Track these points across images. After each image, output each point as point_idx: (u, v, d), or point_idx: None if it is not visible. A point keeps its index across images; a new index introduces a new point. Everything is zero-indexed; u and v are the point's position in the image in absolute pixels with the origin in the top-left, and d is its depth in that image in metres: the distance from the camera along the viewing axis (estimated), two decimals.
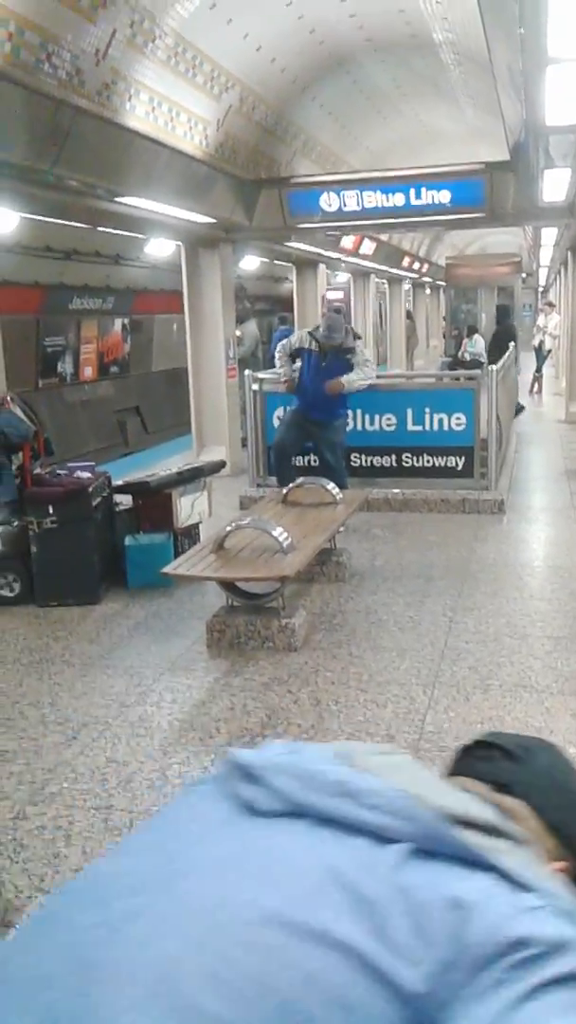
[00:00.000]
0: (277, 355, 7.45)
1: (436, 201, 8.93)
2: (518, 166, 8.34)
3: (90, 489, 5.87)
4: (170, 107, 7.71)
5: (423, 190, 8.91)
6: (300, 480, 6.43)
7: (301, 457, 7.83)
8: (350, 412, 8.18)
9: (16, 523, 5.80)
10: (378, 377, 7.88)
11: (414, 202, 8.99)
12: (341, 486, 6.98)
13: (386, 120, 12.50)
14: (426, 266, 25.67)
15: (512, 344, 13.07)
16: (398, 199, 9.05)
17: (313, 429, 7.34)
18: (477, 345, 19.16)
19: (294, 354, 7.29)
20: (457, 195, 8.88)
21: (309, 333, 7.26)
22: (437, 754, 3.66)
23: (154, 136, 7.36)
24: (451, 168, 9.21)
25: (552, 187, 7.01)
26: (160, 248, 11.99)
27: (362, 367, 7.10)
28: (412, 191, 8.95)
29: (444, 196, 8.88)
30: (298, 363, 7.28)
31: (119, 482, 6.52)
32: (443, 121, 12.99)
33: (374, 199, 9.11)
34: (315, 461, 7.67)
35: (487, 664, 4.58)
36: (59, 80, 6.06)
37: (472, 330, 19.79)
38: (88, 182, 6.56)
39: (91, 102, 6.44)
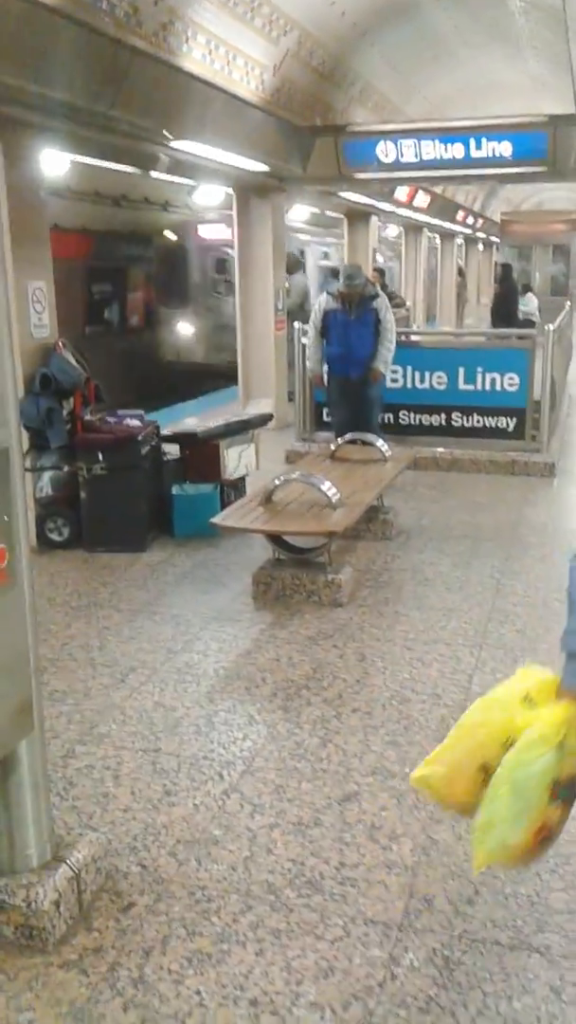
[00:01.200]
0: (309, 336, 7.25)
1: (496, 153, 8.68)
2: None
3: (140, 437, 5.88)
4: (227, 50, 7.55)
5: (483, 141, 8.66)
6: (349, 436, 6.37)
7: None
8: (399, 368, 8.10)
9: (66, 468, 5.84)
10: (429, 334, 7.73)
11: (474, 154, 8.74)
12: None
13: (446, 69, 12.15)
14: (480, 221, 25.11)
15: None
16: (457, 150, 8.81)
17: (356, 388, 7.20)
18: (530, 304, 18.81)
19: (325, 321, 7.08)
20: (519, 147, 8.62)
21: (328, 293, 7.14)
22: None
23: (210, 80, 7.22)
24: (513, 120, 8.93)
25: None
26: (208, 196, 11.86)
27: (385, 336, 6.96)
28: (472, 142, 8.70)
29: (505, 148, 8.63)
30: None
31: (167, 431, 6.52)
32: (505, 72, 12.60)
33: (432, 150, 8.87)
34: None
35: (535, 628, 4.55)
36: (116, 19, 5.95)
37: (526, 288, 19.40)
38: (143, 125, 6.46)
39: (148, 43, 6.33)
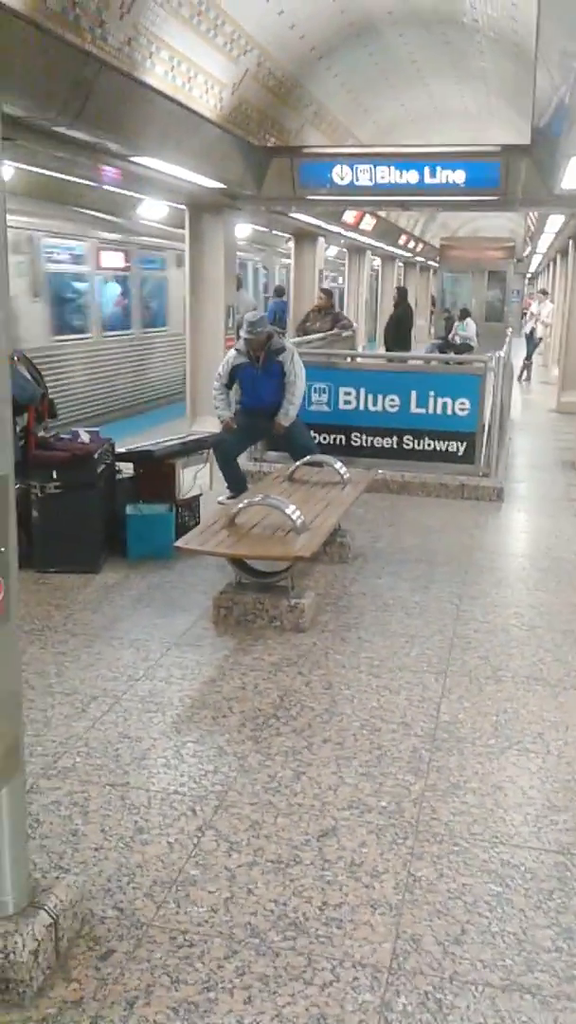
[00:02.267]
0: (215, 389, 7.03)
1: (450, 181, 8.80)
2: (538, 151, 8.23)
3: (95, 455, 5.76)
4: (189, 67, 7.52)
5: (438, 169, 8.78)
6: (308, 458, 6.35)
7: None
8: (353, 390, 8.13)
9: (18, 486, 5.66)
10: (381, 357, 7.71)
11: (428, 180, 8.85)
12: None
13: (397, 95, 12.30)
14: (420, 245, 25.50)
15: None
16: (412, 176, 8.91)
17: (267, 424, 7.01)
18: (468, 329, 19.20)
19: (230, 379, 6.94)
20: (472, 176, 8.76)
21: (235, 349, 6.93)
22: (455, 744, 3.64)
23: (172, 95, 7.17)
24: (467, 148, 9.08)
25: (572, 175, 6.91)
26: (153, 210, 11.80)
27: (290, 390, 6.82)
28: (427, 169, 8.81)
29: (459, 176, 8.76)
30: (234, 401, 7.05)
31: (122, 449, 6.40)
32: (454, 99, 12.81)
33: (387, 175, 8.96)
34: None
35: (498, 654, 4.56)
36: (81, 31, 5.87)
37: (464, 313, 19.78)
38: (106, 139, 6.37)
39: (113, 56, 6.25)
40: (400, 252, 23.27)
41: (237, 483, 7.13)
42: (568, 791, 3.33)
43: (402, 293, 17.44)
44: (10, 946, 2.24)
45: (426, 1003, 2.32)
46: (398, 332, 15.94)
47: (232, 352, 7.03)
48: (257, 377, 6.85)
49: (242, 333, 6.81)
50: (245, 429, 7.12)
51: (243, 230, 13.98)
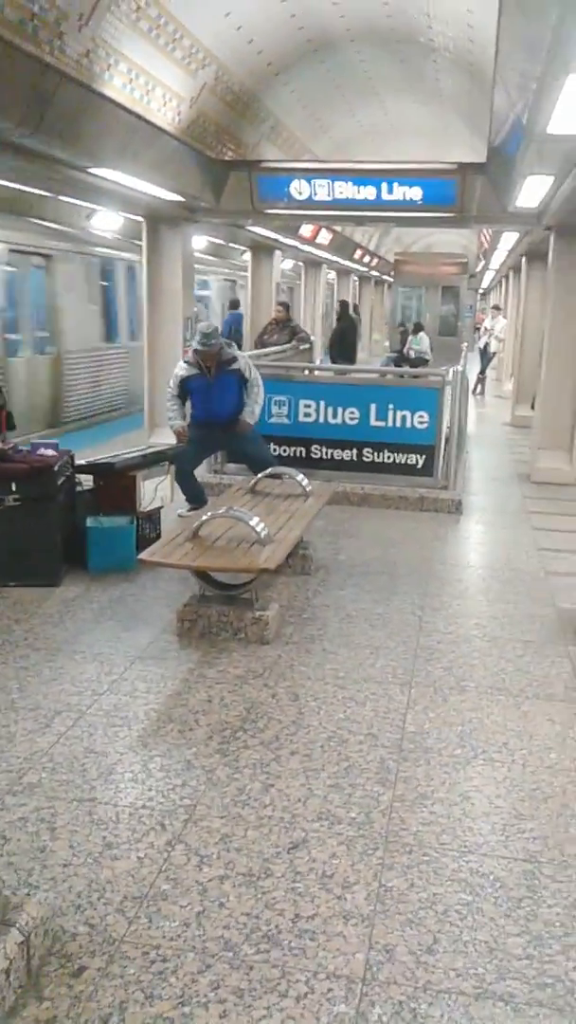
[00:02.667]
0: (168, 399, 6.92)
1: (407, 197, 8.92)
2: (493, 169, 8.38)
3: (55, 467, 5.71)
4: (147, 80, 7.52)
5: (395, 185, 8.90)
6: (270, 470, 6.36)
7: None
8: (312, 403, 8.18)
9: None
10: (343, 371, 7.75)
11: (385, 196, 8.97)
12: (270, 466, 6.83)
13: (353, 111, 12.44)
14: (375, 260, 25.76)
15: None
16: (369, 192, 9.01)
17: (223, 435, 7.01)
18: (422, 343, 19.40)
19: (183, 387, 6.82)
20: (428, 193, 8.89)
21: (184, 361, 6.86)
22: (421, 755, 3.66)
23: (130, 108, 7.17)
24: (424, 165, 9.21)
25: (528, 193, 7.05)
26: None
27: (252, 389, 6.80)
28: (384, 185, 8.92)
29: (416, 193, 8.88)
30: (188, 407, 6.95)
31: (82, 461, 6.36)
32: (409, 116, 12.98)
33: (345, 190, 9.06)
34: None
35: (461, 665, 4.61)
36: (39, 42, 5.84)
37: (418, 327, 20.00)
38: (65, 151, 6.34)
39: (72, 68, 6.23)
40: (355, 266, 23.48)
41: (195, 496, 7.10)
42: (533, 800, 3.37)
43: (344, 306, 17.62)
44: None
45: (401, 1013, 2.33)
46: (343, 345, 16.09)
47: (181, 364, 6.89)
48: (209, 388, 6.73)
49: (194, 345, 6.67)
50: (199, 441, 7.01)
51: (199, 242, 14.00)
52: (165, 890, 2.77)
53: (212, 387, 6.74)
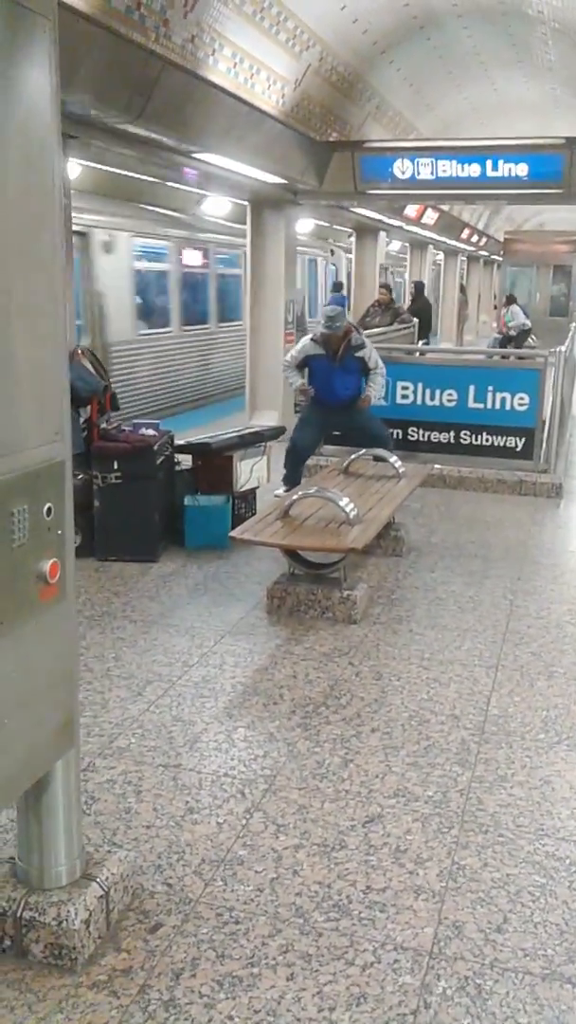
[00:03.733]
0: (285, 366, 7.04)
1: (513, 174, 8.73)
2: None
3: (155, 447, 5.87)
4: (251, 63, 7.59)
5: (500, 162, 8.71)
6: (363, 451, 6.37)
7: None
8: (411, 384, 8.13)
9: (80, 476, 5.81)
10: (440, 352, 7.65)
11: (490, 174, 8.79)
12: (389, 449, 6.85)
13: (460, 88, 12.23)
14: (484, 240, 25.22)
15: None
16: (473, 170, 8.85)
17: (342, 416, 7.03)
18: (517, 316, 18.64)
19: (302, 364, 6.90)
20: (535, 169, 8.67)
21: (312, 340, 6.87)
22: (504, 738, 3.65)
23: (234, 92, 7.25)
24: (530, 141, 8.99)
25: None
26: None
27: (375, 375, 6.78)
28: (489, 162, 8.75)
29: (521, 169, 8.68)
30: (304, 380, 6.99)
31: (181, 442, 6.51)
32: (518, 92, 12.68)
33: (449, 168, 8.92)
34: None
35: (550, 651, 4.54)
36: (146, 30, 5.97)
37: (510, 299, 19.23)
38: (169, 136, 6.47)
39: (176, 55, 6.35)
40: (463, 246, 23.04)
41: (296, 480, 7.18)
42: None
43: (419, 287, 17.15)
44: (63, 915, 2.34)
45: (465, 987, 2.36)
46: (419, 327, 15.76)
47: (308, 339, 6.97)
48: (332, 371, 6.78)
49: (320, 328, 6.74)
50: (318, 422, 7.11)
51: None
52: (241, 855, 2.87)
53: (336, 370, 6.78)
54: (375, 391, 6.86)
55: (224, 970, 2.39)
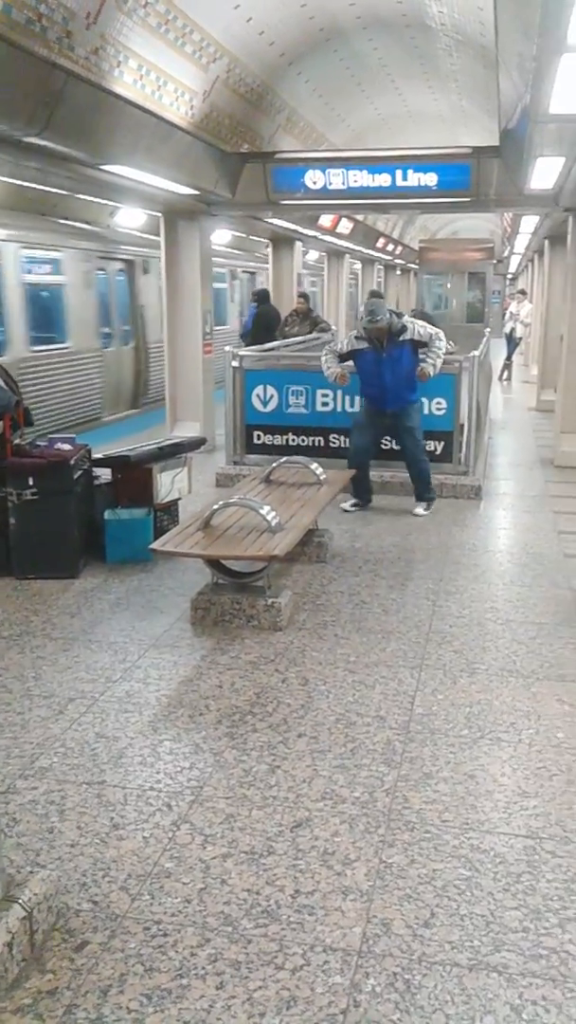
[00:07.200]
0: (324, 358, 7.15)
1: (422, 183, 8.89)
2: (507, 152, 8.32)
3: (72, 461, 5.79)
4: (158, 75, 7.57)
5: (409, 172, 8.86)
6: (283, 459, 6.39)
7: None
8: (330, 392, 8.20)
9: None
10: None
11: (400, 183, 8.94)
12: (423, 472, 7.21)
13: (370, 99, 12.41)
14: (399, 248, 25.64)
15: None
16: (384, 180, 8.99)
17: (390, 421, 7.18)
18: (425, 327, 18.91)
19: (344, 357, 7.05)
20: (444, 178, 8.85)
21: (355, 337, 6.98)
22: (428, 736, 3.69)
23: (142, 104, 7.22)
24: (438, 151, 9.17)
25: (541, 175, 7.00)
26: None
27: (434, 343, 6.85)
28: (399, 172, 8.89)
29: (431, 179, 8.85)
30: (349, 365, 7.10)
31: (99, 455, 6.44)
32: (426, 103, 12.93)
33: (360, 179, 9.04)
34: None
35: (472, 648, 4.62)
36: (48, 42, 5.91)
37: (419, 315, 19.54)
38: (76, 149, 6.42)
39: (81, 67, 6.30)
40: (379, 255, 23.40)
41: (365, 490, 7.38)
42: (538, 777, 3.39)
43: (262, 295, 17.00)
44: None
45: (394, 983, 2.37)
46: (266, 332, 15.75)
47: (352, 336, 7.04)
48: (381, 362, 6.84)
49: (363, 323, 6.79)
50: (370, 427, 7.22)
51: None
52: (169, 868, 2.84)
53: (383, 361, 6.83)
54: (436, 361, 6.89)
55: (152, 983, 2.36)
